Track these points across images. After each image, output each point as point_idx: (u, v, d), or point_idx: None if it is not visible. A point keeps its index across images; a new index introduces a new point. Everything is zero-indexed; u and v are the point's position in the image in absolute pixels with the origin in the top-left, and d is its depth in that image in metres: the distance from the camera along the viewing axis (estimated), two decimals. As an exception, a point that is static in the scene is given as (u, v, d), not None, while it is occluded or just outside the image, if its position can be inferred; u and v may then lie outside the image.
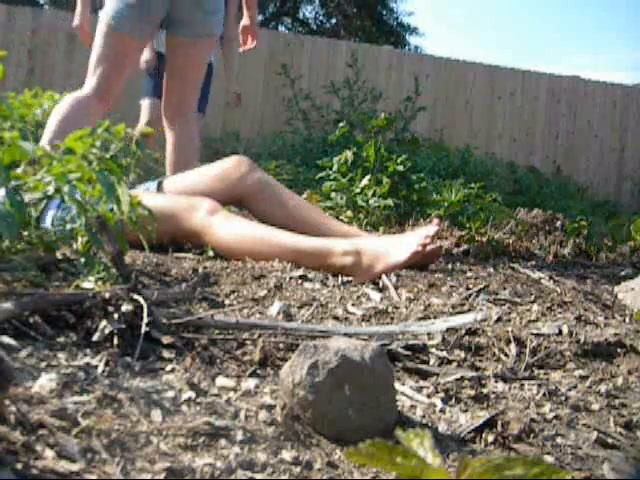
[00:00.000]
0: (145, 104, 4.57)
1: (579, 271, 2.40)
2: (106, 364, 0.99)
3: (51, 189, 1.41)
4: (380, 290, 1.74)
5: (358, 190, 2.90)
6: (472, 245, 2.45)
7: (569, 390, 1.23)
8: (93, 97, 2.71)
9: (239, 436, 0.86)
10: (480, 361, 1.32)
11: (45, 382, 0.89)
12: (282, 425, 0.92)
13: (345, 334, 1.28)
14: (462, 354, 1.32)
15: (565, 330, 1.48)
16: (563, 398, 1.18)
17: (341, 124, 3.16)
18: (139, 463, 0.75)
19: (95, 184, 1.41)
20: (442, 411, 1.08)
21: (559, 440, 1.03)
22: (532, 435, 1.02)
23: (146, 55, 4.48)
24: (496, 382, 1.22)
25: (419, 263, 1.96)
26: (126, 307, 1.12)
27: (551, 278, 2.11)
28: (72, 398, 0.87)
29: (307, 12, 16.07)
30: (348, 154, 2.98)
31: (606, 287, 2.16)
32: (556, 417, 1.10)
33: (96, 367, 0.98)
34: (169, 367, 1.05)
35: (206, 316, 1.26)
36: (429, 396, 1.13)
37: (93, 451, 0.75)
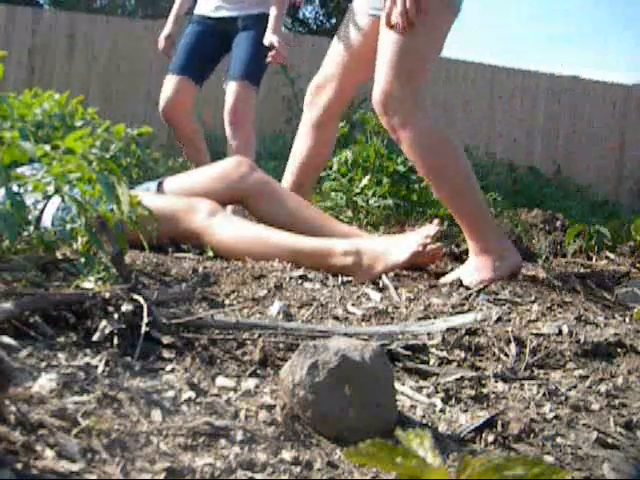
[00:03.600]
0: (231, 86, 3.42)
1: (579, 271, 2.40)
2: (106, 364, 0.99)
3: (51, 189, 1.41)
4: (380, 290, 1.74)
5: (358, 190, 2.90)
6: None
7: (569, 390, 1.23)
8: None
9: (239, 436, 0.86)
10: (480, 361, 1.32)
11: (45, 382, 0.89)
12: (282, 425, 0.92)
13: (345, 334, 1.28)
14: (462, 354, 1.32)
15: (565, 330, 1.48)
16: (563, 398, 1.18)
17: (341, 124, 3.16)
18: (139, 463, 0.75)
19: (95, 184, 1.41)
20: (442, 411, 1.08)
21: (559, 440, 1.03)
22: (532, 435, 1.02)
23: (168, 29, 3.58)
24: (496, 382, 1.22)
25: (419, 263, 1.96)
26: (126, 307, 1.12)
27: (551, 278, 2.11)
28: (72, 398, 0.87)
29: (307, 12, 16.06)
30: (348, 154, 2.98)
31: (606, 287, 2.16)
32: (556, 417, 1.10)
33: (96, 367, 0.98)
34: (169, 367, 1.05)
35: (206, 316, 1.26)
36: (429, 396, 1.13)
37: (93, 451, 0.75)
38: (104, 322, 1.08)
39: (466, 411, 1.09)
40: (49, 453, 0.71)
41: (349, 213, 2.92)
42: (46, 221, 1.88)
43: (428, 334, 1.38)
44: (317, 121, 2.35)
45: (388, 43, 2.01)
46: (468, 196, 2.01)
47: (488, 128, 9.40)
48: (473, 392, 1.15)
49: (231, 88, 3.35)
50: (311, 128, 2.37)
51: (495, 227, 2.09)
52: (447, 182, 2.01)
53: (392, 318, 1.52)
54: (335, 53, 2.34)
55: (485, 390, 1.17)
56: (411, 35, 1.97)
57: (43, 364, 0.96)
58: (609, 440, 1.05)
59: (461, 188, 2.01)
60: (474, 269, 1.95)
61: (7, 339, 1.00)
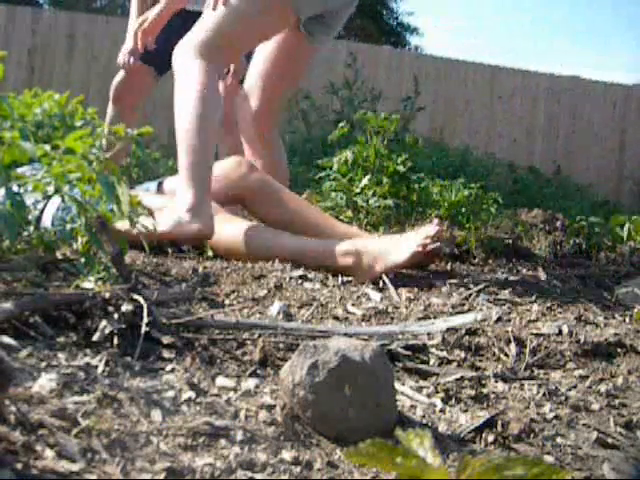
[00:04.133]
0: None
1: (579, 271, 2.40)
2: (106, 364, 0.99)
3: (51, 189, 1.41)
4: (380, 290, 1.74)
5: (358, 190, 2.90)
6: (472, 245, 2.45)
7: (569, 390, 1.23)
8: None
9: (239, 436, 0.86)
10: (480, 361, 1.32)
11: (45, 382, 0.89)
12: (282, 425, 0.92)
13: (345, 334, 1.28)
14: (462, 354, 1.32)
15: (565, 330, 1.48)
16: (563, 398, 1.18)
17: (341, 124, 3.16)
18: (139, 463, 0.75)
19: (95, 184, 1.41)
20: (442, 411, 1.08)
21: (559, 440, 1.03)
22: (532, 435, 1.02)
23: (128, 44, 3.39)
24: (496, 382, 1.22)
25: (419, 263, 1.96)
26: (126, 307, 1.12)
27: (551, 278, 2.11)
28: (72, 398, 0.86)
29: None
30: (348, 154, 2.98)
31: (606, 287, 2.16)
32: (556, 417, 1.10)
33: (96, 367, 0.98)
34: (169, 367, 1.05)
35: (206, 316, 1.26)
36: (429, 396, 1.13)
37: (93, 451, 0.75)
38: (104, 322, 1.08)
39: (466, 411, 1.09)
40: (49, 453, 0.71)
41: (349, 213, 2.91)
42: (46, 221, 1.88)
43: (428, 334, 1.38)
44: (247, 136, 2.42)
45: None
46: (194, 136, 1.99)
47: (488, 128, 9.40)
48: (473, 392, 1.15)
49: None
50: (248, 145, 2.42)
51: (205, 184, 1.97)
52: (181, 111, 2.03)
53: (392, 318, 1.52)
54: (255, 62, 2.42)
55: (485, 390, 1.17)
56: (226, 7, 2.09)
57: (43, 364, 0.96)
58: (609, 440, 1.05)
59: (191, 125, 1.99)
60: (166, 215, 1.87)
61: (7, 339, 1.00)
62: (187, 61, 2.09)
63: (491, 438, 0.99)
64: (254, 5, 2.13)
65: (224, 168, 2.27)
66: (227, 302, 1.50)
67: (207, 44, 2.10)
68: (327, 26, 2.32)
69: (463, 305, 1.65)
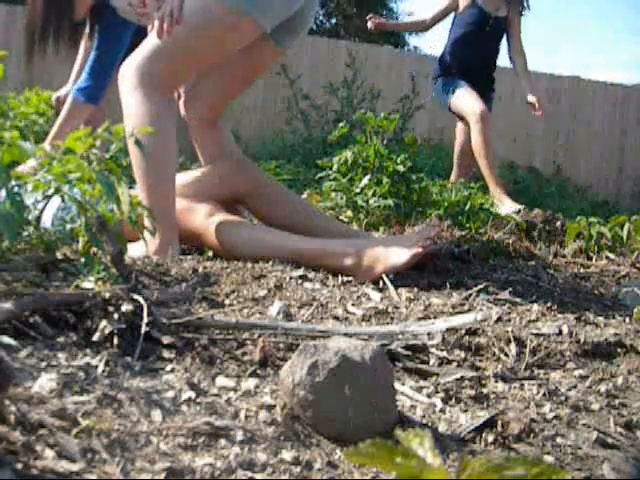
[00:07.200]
0: None
1: (579, 271, 2.41)
2: (106, 364, 0.99)
3: (51, 189, 1.41)
4: (380, 290, 1.74)
5: (358, 190, 2.90)
6: (472, 245, 2.45)
7: (569, 390, 1.23)
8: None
9: (239, 436, 0.86)
10: (480, 361, 1.32)
11: (45, 382, 0.89)
12: (282, 425, 0.92)
13: (345, 334, 1.28)
14: (462, 354, 1.32)
15: (565, 330, 1.48)
16: (563, 398, 1.18)
17: (341, 124, 3.16)
18: (139, 463, 0.75)
19: (95, 184, 1.41)
20: (442, 411, 1.08)
21: (559, 440, 1.03)
22: (532, 435, 1.02)
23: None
24: (496, 382, 1.22)
25: (419, 263, 1.96)
26: (126, 307, 1.12)
27: (551, 278, 2.11)
28: (72, 398, 0.87)
29: (307, 12, 16.03)
30: (348, 154, 2.98)
31: (606, 287, 2.16)
32: (556, 417, 1.10)
33: (96, 367, 0.98)
34: (169, 367, 1.05)
35: (206, 316, 1.26)
36: (429, 396, 1.13)
37: (93, 451, 0.75)
38: (104, 322, 1.08)
39: (466, 411, 1.09)
40: (49, 453, 0.71)
41: (349, 213, 2.92)
42: (46, 221, 1.88)
43: (428, 334, 1.38)
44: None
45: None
46: (155, 172, 1.95)
47: (488, 128, 9.39)
48: (473, 392, 1.15)
49: None
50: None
51: (170, 223, 1.93)
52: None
53: (392, 318, 1.52)
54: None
55: (485, 390, 1.17)
56: (178, 29, 1.95)
57: (43, 364, 0.96)
58: (609, 440, 1.05)
59: (147, 165, 1.92)
60: (137, 249, 1.83)
61: (7, 339, 1.00)
62: (136, 94, 1.96)
63: (491, 438, 0.99)
64: (211, 31, 1.98)
65: (224, 168, 2.27)
66: (227, 302, 1.50)
67: (158, 75, 1.96)
68: (294, 30, 2.23)
69: (463, 305, 1.65)
